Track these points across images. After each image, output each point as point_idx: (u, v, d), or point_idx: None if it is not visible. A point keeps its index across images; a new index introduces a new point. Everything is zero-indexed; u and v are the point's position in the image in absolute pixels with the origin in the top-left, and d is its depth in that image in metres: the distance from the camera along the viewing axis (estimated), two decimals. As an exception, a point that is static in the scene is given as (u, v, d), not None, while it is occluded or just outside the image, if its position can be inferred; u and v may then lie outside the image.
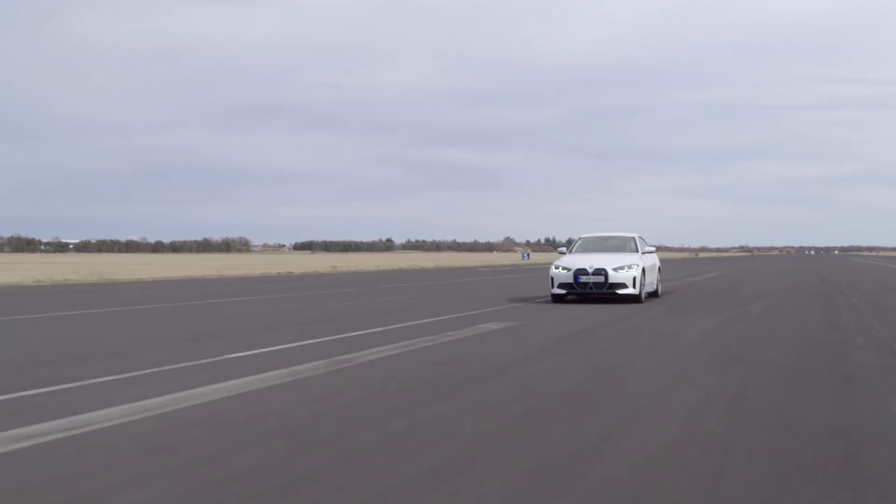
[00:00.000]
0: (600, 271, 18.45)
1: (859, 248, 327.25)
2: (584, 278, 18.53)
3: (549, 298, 19.50)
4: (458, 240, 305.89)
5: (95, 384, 7.75)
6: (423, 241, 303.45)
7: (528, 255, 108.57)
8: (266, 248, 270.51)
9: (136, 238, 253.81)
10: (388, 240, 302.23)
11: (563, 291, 18.93)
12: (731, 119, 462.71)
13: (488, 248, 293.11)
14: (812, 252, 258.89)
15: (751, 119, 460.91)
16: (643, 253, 19.98)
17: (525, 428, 5.86)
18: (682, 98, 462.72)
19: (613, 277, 18.41)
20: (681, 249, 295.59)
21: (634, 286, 18.42)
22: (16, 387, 7.58)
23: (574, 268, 18.79)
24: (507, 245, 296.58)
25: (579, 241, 21.19)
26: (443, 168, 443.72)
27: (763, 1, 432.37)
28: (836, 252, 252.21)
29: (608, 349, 10.42)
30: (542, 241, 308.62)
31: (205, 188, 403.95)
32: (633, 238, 20.82)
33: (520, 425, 5.96)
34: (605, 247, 20.52)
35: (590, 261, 18.95)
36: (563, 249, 21.21)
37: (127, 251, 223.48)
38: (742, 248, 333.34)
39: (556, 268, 19.22)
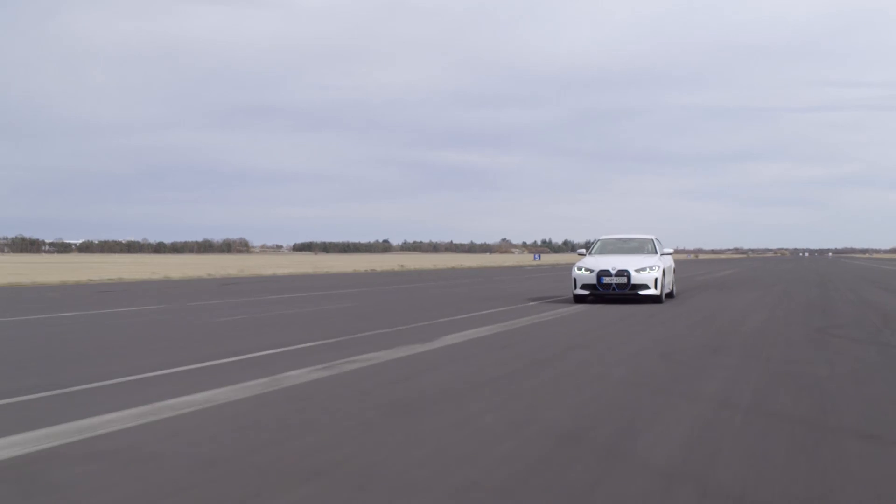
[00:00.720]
0: (623, 272, 19.03)
1: (853, 250, 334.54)
2: (606, 279, 19.07)
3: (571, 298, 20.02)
4: (454, 241, 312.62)
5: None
6: (421, 241, 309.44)
7: (539, 256, 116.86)
8: (265, 249, 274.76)
9: (135, 239, 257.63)
10: (385, 241, 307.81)
11: (585, 292, 19.49)
12: (729, 121, 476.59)
13: (485, 249, 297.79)
14: (806, 254, 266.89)
15: (749, 121, 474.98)
16: (661, 255, 20.78)
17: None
18: (680, 100, 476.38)
19: (636, 279, 19.01)
20: (677, 251, 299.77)
21: (656, 287, 19.07)
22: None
23: (597, 269, 19.29)
24: (505, 246, 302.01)
25: (598, 243, 21.79)
26: (440, 169, 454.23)
27: (762, 3, 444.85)
28: (831, 254, 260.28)
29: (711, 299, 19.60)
30: (539, 242, 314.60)
31: (202, 189, 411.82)
32: (652, 240, 21.61)
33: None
34: (624, 248, 21.31)
35: (612, 262, 19.51)
36: (583, 251, 21.81)
37: (129, 252, 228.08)
38: (737, 250, 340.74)
39: (579, 269, 19.70)
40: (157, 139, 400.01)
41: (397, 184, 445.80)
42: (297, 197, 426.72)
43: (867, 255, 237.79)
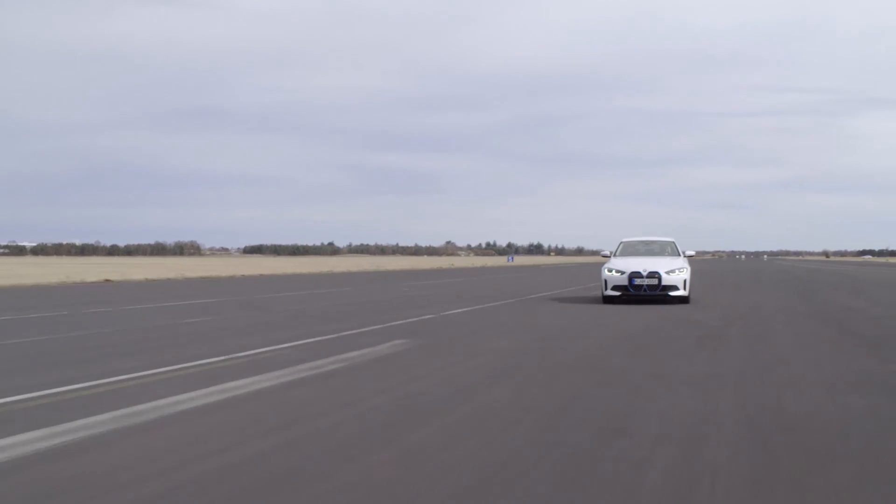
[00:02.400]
0: (654, 274, 19.83)
1: (787, 253, 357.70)
2: (638, 281, 19.83)
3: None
4: (400, 244, 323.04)
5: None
6: (367, 244, 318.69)
7: (512, 257, 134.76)
8: (214, 252, 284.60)
9: (89, 242, 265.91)
10: (331, 243, 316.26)
11: (617, 293, 20.22)
12: (667, 126, 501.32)
13: (431, 252, 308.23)
14: (743, 256, 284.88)
15: (686, 126, 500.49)
16: (684, 256, 21.57)
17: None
18: (620, 105, 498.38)
19: (666, 280, 19.82)
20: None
21: (685, 288, 19.95)
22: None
23: (629, 271, 20.03)
24: (450, 249, 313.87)
25: (621, 246, 22.54)
26: (384, 172, 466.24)
27: (699, 11, 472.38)
28: (766, 256, 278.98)
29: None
30: (484, 245, 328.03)
31: (146, 191, 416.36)
32: (672, 242, 22.43)
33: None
34: (647, 251, 22.17)
35: (642, 264, 20.26)
36: (607, 253, 22.52)
37: (83, 254, 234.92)
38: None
39: (610, 271, 20.46)
40: (96, 141, 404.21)
41: (341, 187, 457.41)
42: (242, 200, 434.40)
43: (800, 258, 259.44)
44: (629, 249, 22.43)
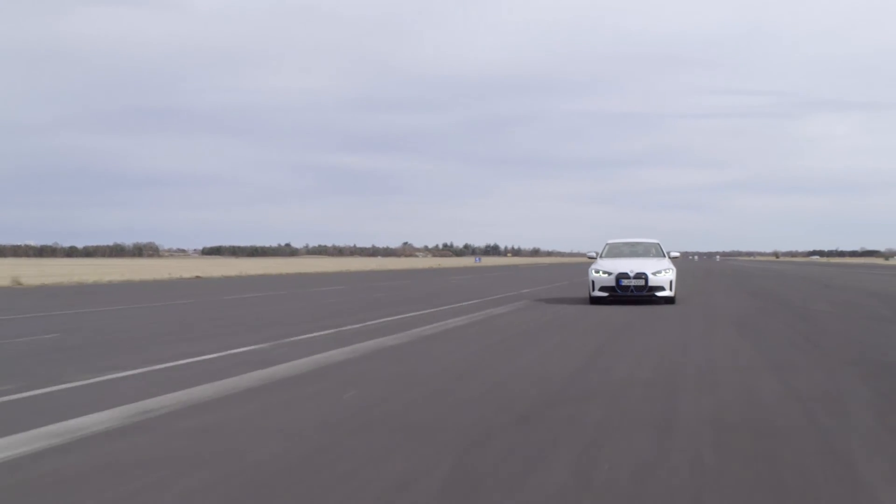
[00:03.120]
0: (641, 275, 20.51)
1: (739, 253, 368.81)
2: (625, 282, 20.47)
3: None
4: (357, 245, 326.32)
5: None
6: (325, 246, 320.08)
7: (479, 258, 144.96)
8: (172, 254, 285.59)
9: (47, 243, 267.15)
10: (288, 245, 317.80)
11: (604, 294, 20.79)
12: (621, 127, 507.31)
13: (388, 253, 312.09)
14: (696, 257, 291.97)
15: (640, 127, 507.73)
16: (669, 257, 22.15)
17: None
18: (575, 106, 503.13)
19: (653, 281, 20.50)
20: (572, 254, 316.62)
21: (671, 288, 20.65)
22: None
23: (616, 272, 20.64)
24: (408, 250, 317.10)
25: (607, 247, 23.02)
26: (340, 173, 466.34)
27: (652, 14, 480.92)
28: (718, 257, 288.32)
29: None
30: (441, 246, 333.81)
31: (99, 192, 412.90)
32: (657, 244, 23.08)
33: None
34: (633, 252, 22.76)
35: (629, 265, 20.89)
36: (593, 254, 22.82)
37: (41, 256, 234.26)
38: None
39: (597, 272, 21.00)
40: (46, 141, 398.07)
41: (296, 188, 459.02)
42: (197, 201, 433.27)
43: (751, 258, 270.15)
44: (615, 251, 23.17)
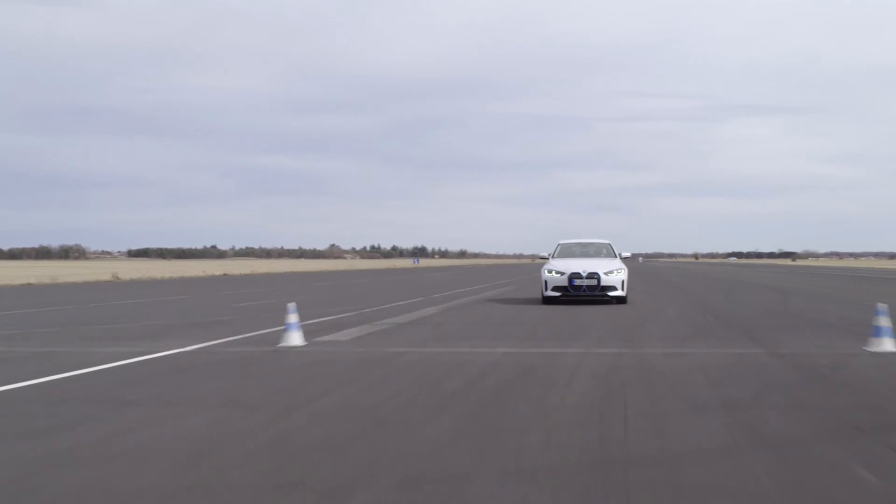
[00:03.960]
0: (593, 275, 20.82)
1: (662, 255, 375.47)
2: (578, 281, 20.76)
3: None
4: (284, 246, 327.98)
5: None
6: (252, 248, 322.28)
7: (418, 260, 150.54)
8: (98, 256, 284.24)
9: None
10: (214, 247, 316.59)
11: (557, 294, 21.13)
12: (550, 130, 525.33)
13: (316, 255, 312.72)
14: None
15: (568, 130, 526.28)
16: (621, 258, 22.67)
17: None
18: (504, 108, 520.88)
19: (605, 280, 20.80)
20: (498, 256, 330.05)
21: (623, 288, 20.97)
22: None
23: (568, 272, 20.93)
24: (336, 252, 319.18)
25: (559, 247, 23.41)
26: (266, 175, 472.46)
27: (581, 18, 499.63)
28: (640, 259, 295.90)
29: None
30: (368, 247, 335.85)
31: (18, 193, 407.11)
32: (608, 244, 23.61)
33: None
34: (584, 252, 23.24)
35: (582, 265, 21.19)
36: (545, 255, 23.23)
37: None
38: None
39: (550, 272, 21.30)
40: None
41: (221, 190, 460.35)
42: (121, 202, 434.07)
43: (673, 259, 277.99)
44: (566, 251, 23.56)
